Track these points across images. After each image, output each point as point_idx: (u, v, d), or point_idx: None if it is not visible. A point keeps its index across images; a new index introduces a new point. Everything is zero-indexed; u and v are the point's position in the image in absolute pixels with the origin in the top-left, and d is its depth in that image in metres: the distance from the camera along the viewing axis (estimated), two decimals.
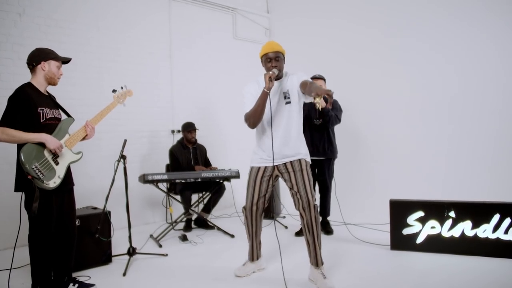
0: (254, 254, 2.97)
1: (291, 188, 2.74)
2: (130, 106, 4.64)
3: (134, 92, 4.64)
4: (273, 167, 2.74)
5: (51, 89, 2.63)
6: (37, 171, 2.29)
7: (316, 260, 2.72)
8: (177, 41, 5.22)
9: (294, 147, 2.72)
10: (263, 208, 2.86)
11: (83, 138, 2.63)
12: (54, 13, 4.12)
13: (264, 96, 2.54)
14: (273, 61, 2.64)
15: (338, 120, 3.98)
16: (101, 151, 4.44)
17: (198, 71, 5.45)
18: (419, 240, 3.34)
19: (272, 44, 2.71)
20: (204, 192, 4.48)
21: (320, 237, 2.74)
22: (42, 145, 2.33)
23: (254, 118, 2.60)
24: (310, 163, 2.82)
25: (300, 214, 2.73)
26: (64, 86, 4.10)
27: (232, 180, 4.31)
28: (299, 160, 2.73)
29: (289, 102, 2.69)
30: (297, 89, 2.67)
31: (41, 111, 2.39)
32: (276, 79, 2.68)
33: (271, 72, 2.54)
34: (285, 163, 2.73)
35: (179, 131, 4.89)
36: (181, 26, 5.28)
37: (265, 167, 2.76)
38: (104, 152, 4.42)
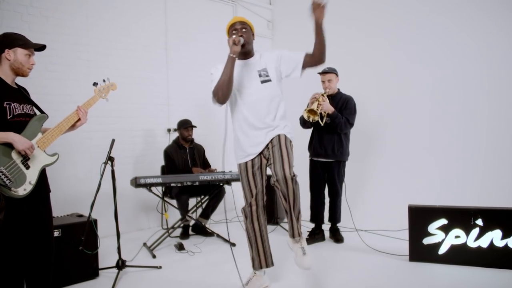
0: (262, 260, 2.60)
1: (268, 165, 2.49)
2: (122, 103, 4.38)
3: (127, 88, 4.39)
4: (259, 156, 2.51)
5: (27, 82, 2.29)
6: (3, 176, 1.95)
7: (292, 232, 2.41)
8: (173, 33, 4.88)
9: (277, 127, 2.47)
10: (263, 205, 2.59)
11: (74, 125, 2.31)
12: (38, 1, 3.76)
13: (231, 62, 2.33)
14: (239, 31, 2.46)
15: (349, 124, 3.62)
16: (91, 151, 4.11)
17: (196, 66, 5.10)
18: (442, 250, 3.02)
19: (237, 17, 2.56)
20: (202, 196, 4.13)
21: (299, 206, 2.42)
22: (9, 146, 1.99)
23: (222, 90, 2.35)
24: (291, 140, 2.52)
25: (275, 186, 2.42)
26: (48, 81, 3.81)
27: (233, 183, 3.96)
28: (278, 135, 2.46)
29: (267, 80, 2.48)
30: (275, 66, 2.50)
31: (7, 106, 2.04)
32: (244, 57, 2.52)
33: (234, 36, 2.35)
34: (267, 145, 2.48)
35: (175, 130, 4.55)
36: (178, 17, 4.94)
37: (252, 160, 2.51)
38: (94, 153, 4.08)
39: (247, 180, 2.54)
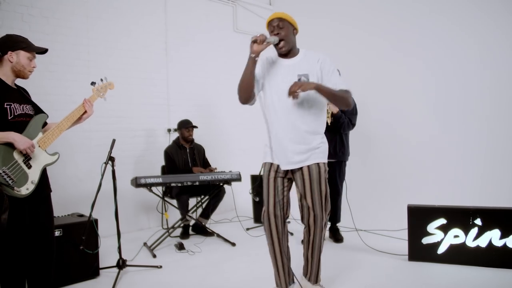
0: (281, 277, 2.38)
1: (301, 198, 2.35)
2: (122, 103, 4.39)
3: (127, 88, 4.40)
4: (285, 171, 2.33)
5: (28, 82, 2.30)
6: (5, 176, 1.96)
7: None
8: (173, 34, 4.89)
9: (314, 145, 2.28)
10: (284, 216, 2.33)
11: (80, 118, 2.34)
12: (38, 1, 3.77)
13: (251, 63, 2.20)
14: (275, 28, 2.26)
15: (351, 125, 3.63)
16: (91, 152, 4.11)
17: (196, 66, 5.11)
18: (441, 250, 3.02)
19: (275, 13, 2.33)
20: (202, 196, 4.14)
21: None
22: (10, 145, 2.00)
23: (240, 92, 2.26)
24: (326, 169, 2.36)
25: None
26: (48, 81, 3.82)
27: (233, 183, 3.97)
28: (318, 164, 2.28)
29: None
30: (318, 74, 2.26)
31: (8, 106, 2.05)
32: (284, 56, 2.31)
33: (258, 35, 2.17)
34: (301, 167, 2.28)
35: (175, 130, 4.56)
36: (178, 17, 4.95)
37: (278, 165, 2.30)
38: (95, 153, 4.09)
39: (267, 184, 2.33)
